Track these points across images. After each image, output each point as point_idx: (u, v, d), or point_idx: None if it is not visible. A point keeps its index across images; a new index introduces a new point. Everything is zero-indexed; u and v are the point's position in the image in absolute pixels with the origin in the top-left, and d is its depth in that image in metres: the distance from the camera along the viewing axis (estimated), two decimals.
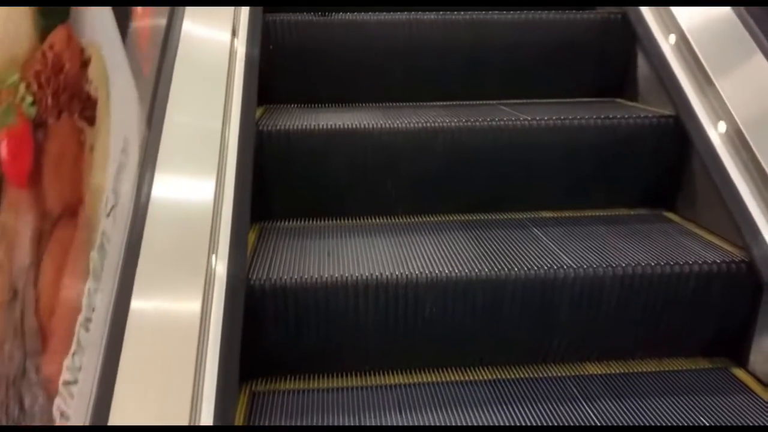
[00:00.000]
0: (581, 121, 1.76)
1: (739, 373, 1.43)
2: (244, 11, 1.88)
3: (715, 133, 1.60)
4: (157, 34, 1.37)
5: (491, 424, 1.24)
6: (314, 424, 1.25)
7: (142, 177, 1.11)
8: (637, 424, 1.25)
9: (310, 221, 1.75)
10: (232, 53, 1.65)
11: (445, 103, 2.06)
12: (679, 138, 1.73)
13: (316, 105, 2.08)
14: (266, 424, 1.26)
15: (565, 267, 1.39)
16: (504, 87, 2.12)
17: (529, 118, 1.74)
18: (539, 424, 1.24)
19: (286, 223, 1.74)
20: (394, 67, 2.10)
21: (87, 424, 0.81)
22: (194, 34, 1.51)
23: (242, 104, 1.60)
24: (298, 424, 1.26)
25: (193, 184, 1.28)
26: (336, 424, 1.25)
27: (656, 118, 1.78)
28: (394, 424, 1.25)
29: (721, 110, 1.60)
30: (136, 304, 0.97)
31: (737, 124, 1.53)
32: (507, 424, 1.24)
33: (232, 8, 1.76)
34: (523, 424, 1.24)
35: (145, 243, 1.05)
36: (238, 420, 1.25)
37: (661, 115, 1.79)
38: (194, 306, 1.04)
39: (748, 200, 1.43)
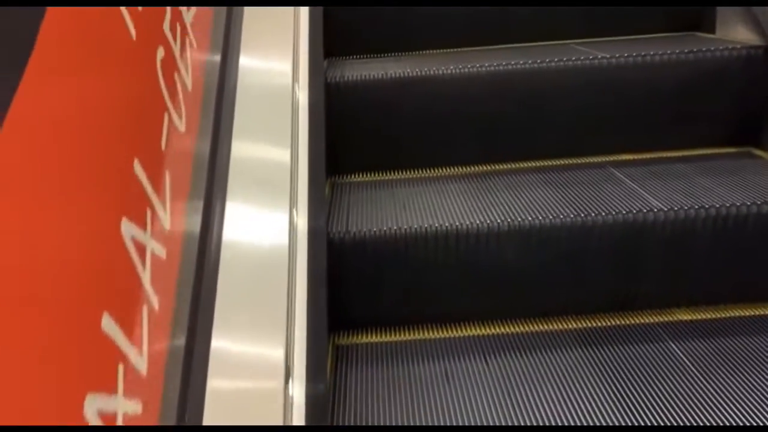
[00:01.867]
0: (662, 56, 1.66)
1: None
2: None
3: None
4: None
5: (582, 381, 1.20)
6: (398, 374, 1.24)
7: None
8: (731, 368, 1.19)
9: (382, 174, 1.72)
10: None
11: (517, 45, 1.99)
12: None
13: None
14: (351, 376, 1.26)
15: (655, 210, 1.33)
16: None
17: (608, 56, 1.65)
18: (634, 381, 1.20)
19: (358, 176, 1.71)
20: None
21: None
22: None
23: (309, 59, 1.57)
24: (381, 375, 1.25)
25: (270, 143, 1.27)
26: (422, 371, 1.24)
27: (745, 49, 1.66)
28: (479, 374, 1.23)
29: None
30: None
31: None
32: (598, 382, 1.20)
33: None
34: (616, 382, 1.19)
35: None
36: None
37: (750, 45, 1.68)
38: (282, 257, 1.03)
39: None
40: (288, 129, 1.28)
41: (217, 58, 1.24)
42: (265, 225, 1.08)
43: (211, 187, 1.01)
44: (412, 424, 1.12)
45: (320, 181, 1.36)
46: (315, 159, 1.34)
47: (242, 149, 1.15)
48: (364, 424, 1.13)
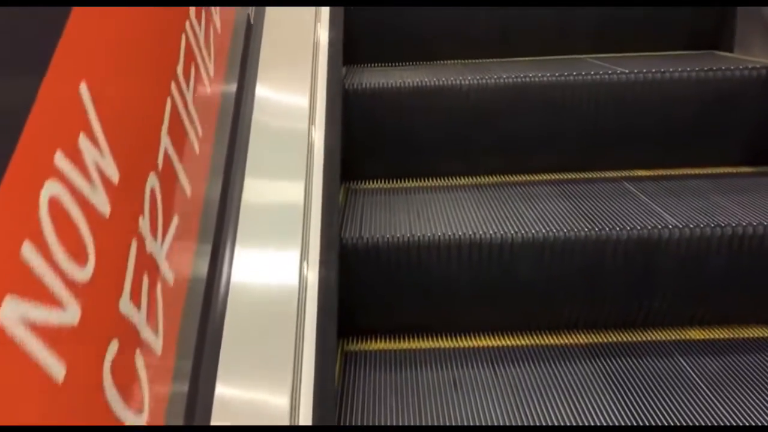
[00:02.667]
0: (681, 73, 1.66)
1: None
2: None
3: None
4: None
5: (591, 395, 1.19)
6: (409, 386, 1.24)
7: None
8: (741, 387, 1.18)
9: (396, 181, 1.72)
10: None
11: (535, 58, 1.99)
12: None
13: None
14: (358, 382, 1.25)
15: (670, 227, 1.32)
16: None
17: (627, 71, 1.65)
18: (644, 399, 1.19)
19: (373, 183, 1.72)
20: None
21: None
22: None
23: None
24: (390, 381, 1.24)
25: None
26: (433, 386, 1.23)
27: (764, 68, 1.66)
28: (488, 383, 1.23)
29: None
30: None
31: None
32: (606, 394, 1.19)
33: None
34: (626, 398, 1.18)
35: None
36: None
37: (765, 65, 1.67)
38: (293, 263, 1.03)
39: None
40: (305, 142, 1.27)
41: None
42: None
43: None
44: (420, 423, 1.11)
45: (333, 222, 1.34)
46: (329, 200, 1.32)
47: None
48: (374, 421, 1.12)
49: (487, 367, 1.28)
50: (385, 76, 1.77)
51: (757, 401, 1.16)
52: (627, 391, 1.20)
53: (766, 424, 1.10)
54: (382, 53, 2.09)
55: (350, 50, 1.92)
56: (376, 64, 2.06)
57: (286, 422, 0.85)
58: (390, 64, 2.06)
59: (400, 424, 1.13)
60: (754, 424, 1.10)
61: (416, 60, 2.07)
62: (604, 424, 1.11)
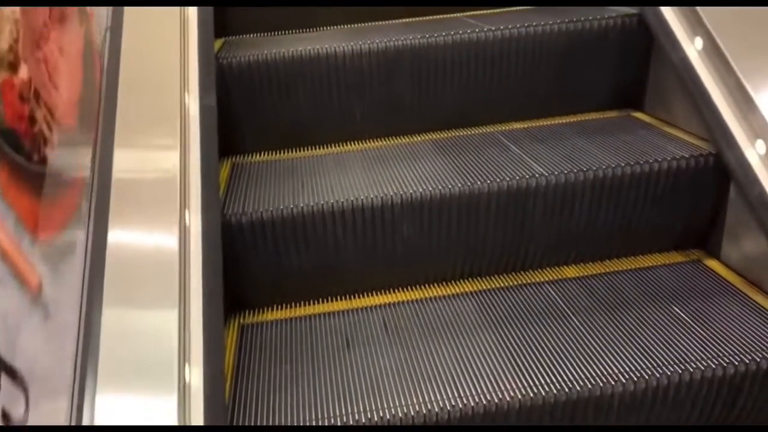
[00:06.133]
0: (545, 27, 1.74)
1: (712, 263, 1.48)
2: None
3: (678, 26, 1.58)
4: None
5: (476, 337, 1.27)
6: (303, 352, 1.28)
7: None
8: (614, 322, 1.29)
9: (282, 152, 1.74)
10: None
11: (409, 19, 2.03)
12: (644, 35, 1.72)
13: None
14: (255, 353, 1.29)
15: (537, 175, 1.41)
16: None
17: (493, 28, 1.71)
18: (522, 334, 1.28)
19: (258, 156, 1.73)
20: None
21: None
22: None
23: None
24: (287, 355, 1.28)
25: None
26: (326, 349, 1.28)
27: (620, 17, 1.76)
28: (379, 339, 1.29)
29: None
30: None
31: (699, 14, 1.51)
32: (490, 336, 1.27)
33: None
34: (507, 335, 1.27)
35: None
36: (229, 354, 1.28)
37: (625, 14, 1.77)
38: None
39: (713, 91, 1.43)
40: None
41: None
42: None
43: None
44: (315, 391, 1.16)
45: (213, 162, 1.36)
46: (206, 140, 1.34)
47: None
48: (268, 397, 1.16)
49: (378, 324, 1.34)
50: (262, 46, 1.77)
51: (616, 324, 1.27)
52: (506, 327, 1.29)
53: (620, 343, 1.21)
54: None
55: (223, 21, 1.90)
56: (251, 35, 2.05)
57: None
58: (266, 34, 2.05)
59: (296, 390, 1.17)
60: (611, 344, 1.21)
61: (294, 29, 2.07)
62: (486, 360, 1.19)
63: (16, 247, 0.77)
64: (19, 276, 0.76)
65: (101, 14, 1.33)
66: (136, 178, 1.17)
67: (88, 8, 1.27)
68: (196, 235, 1.15)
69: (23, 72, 0.90)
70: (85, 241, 0.99)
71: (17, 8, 0.92)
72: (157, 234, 1.10)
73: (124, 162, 1.16)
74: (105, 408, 0.86)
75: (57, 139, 0.96)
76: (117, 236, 1.04)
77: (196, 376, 0.98)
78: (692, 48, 1.52)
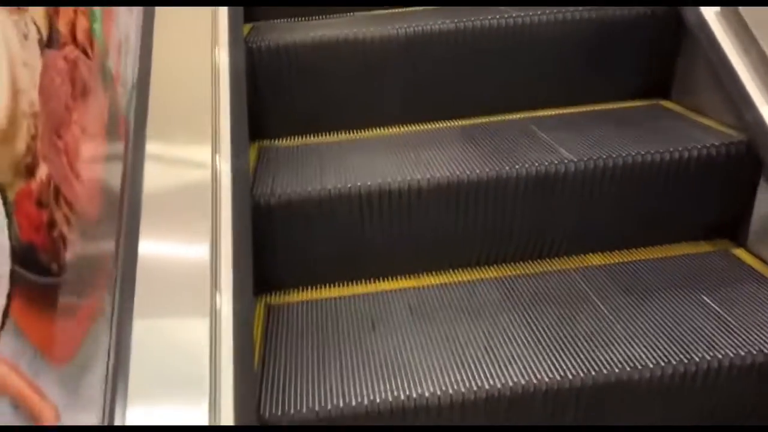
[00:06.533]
0: (574, 13, 1.73)
1: (740, 252, 1.47)
2: None
3: (712, 15, 1.57)
4: None
5: (502, 321, 1.27)
6: (329, 334, 1.29)
7: None
8: (642, 309, 1.28)
9: (308, 137, 1.75)
10: None
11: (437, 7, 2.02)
12: (675, 24, 1.70)
13: None
14: (283, 332, 1.30)
15: (565, 161, 1.40)
16: None
17: (522, 14, 1.70)
18: (549, 319, 1.28)
19: (285, 141, 1.74)
20: None
21: None
22: None
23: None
24: (313, 335, 1.29)
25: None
26: (352, 330, 1.29)
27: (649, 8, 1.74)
28: (404, 321, 1.29)
29: None
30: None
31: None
32: (516, 320, 1.27)
33: None
34: (533, 320, 1.27)
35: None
36: (257, 333, 1.29)
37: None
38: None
39: (746, 79, 1.41)
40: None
41: None
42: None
43: None
44: (342, 372, 1.17)
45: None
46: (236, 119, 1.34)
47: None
48: (295, 377, 1.17)
49: (403, 306, 1.34)
50: (291, 31, 1.77)
51: (644, 311, 1.27)
52: (533, 312, 1.29)
53: (649, 330, 1.20)
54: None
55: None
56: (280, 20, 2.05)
57: None
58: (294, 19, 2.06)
59: (323, 370, 1.18)
60: (639, 330, 1.20)
61: (322, 15, 2.08)
62: (512, 343, 1.19)
63: (33, 388, 0.69)
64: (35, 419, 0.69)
65: (126, 76, 1.23)
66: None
67: (114, 69, 1.15)
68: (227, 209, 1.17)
69: (42, 172, 0.78)
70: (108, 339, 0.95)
71: (36, 98, 0.80)
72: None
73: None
74: None
75: (78, 233, 0.88)
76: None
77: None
78: (725, 36, 1.50)
